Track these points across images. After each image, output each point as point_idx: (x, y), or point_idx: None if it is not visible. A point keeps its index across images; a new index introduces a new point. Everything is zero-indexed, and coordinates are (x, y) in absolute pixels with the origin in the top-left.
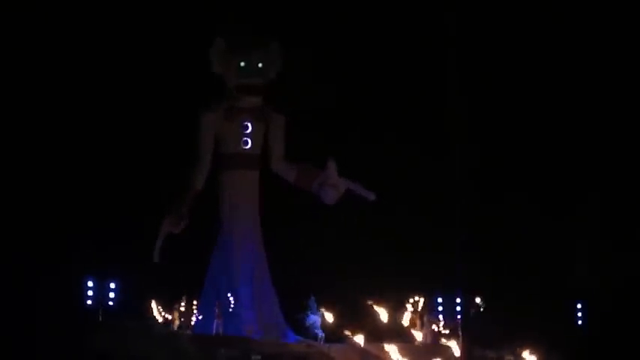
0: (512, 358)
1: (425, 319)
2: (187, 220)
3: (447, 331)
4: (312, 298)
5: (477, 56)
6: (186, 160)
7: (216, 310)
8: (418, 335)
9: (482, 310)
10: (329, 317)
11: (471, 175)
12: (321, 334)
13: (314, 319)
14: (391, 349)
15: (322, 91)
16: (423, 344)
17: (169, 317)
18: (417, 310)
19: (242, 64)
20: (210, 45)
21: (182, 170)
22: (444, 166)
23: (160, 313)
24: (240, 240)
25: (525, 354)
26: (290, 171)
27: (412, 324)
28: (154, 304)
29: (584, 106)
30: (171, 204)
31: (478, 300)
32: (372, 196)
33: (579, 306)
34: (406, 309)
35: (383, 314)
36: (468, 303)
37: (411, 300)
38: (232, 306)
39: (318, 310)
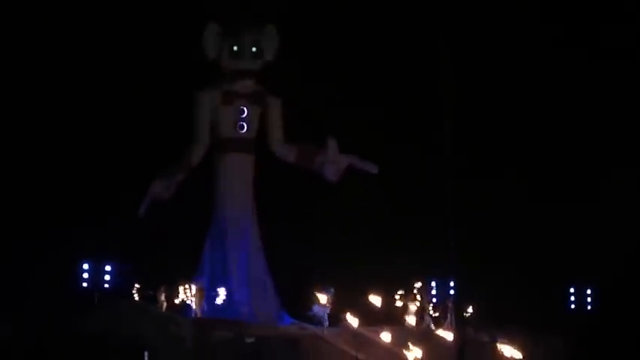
0: (505, 341)
1: (419, 303)
2: (174, 190)
3: (437, 314)
4: (331, 290)
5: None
6: (184, 140)
7: (201, 292)
8: (412, 320)
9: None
10: (323, 299)
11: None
12: (326, 323)
13: (321, 310)
14: (384, 333)
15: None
16: (417, 328)
17: (164, 300)
18: (411, 295)
19: (235, 48)
20: (204, 30)
21: (181, 149)
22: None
23: (157, 296)
24: (235, 223)
25: (518, 338)
26: (290, 152)
27: (406, 309)
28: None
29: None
30: (164, 168)
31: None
32: (374, 169)
33: (572, 290)
34: (400, 294)
35: (376, 299)
36: (461, 287)
37: (405, 285)
38: (226, 287)
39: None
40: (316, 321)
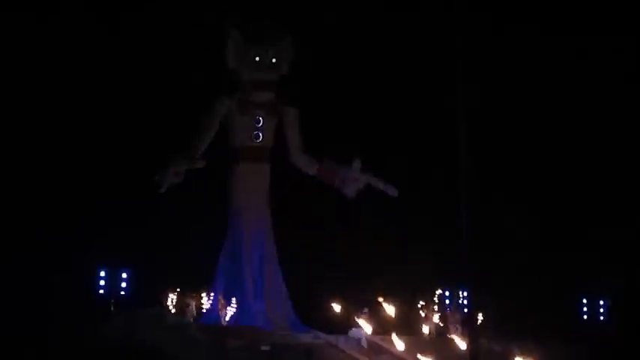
0: (518, 351)
1: (433, 312)
2: (182, 177)
3: (452, 324)
4: (366, 310)
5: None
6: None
7: (222, 301)
8: (425, 328)
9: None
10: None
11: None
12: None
13: (359, 333)
14: (398, 341)
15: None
16: (430, 337)
17: (180, 307)
18: (425, 304)
19: (257, 58)
20: (226, 40)
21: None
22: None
23: (171, 302)
24: (251, 231)
25: (531, 348)
26: (311, 165)
27: (420, 317)
28: (166, 294)
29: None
30: (174, 156)
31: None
32: (393, 191)
33: (585, 300)
34: (414, 303)
35: (390, 308)
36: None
37: (420, 294)
38: (242, 297)
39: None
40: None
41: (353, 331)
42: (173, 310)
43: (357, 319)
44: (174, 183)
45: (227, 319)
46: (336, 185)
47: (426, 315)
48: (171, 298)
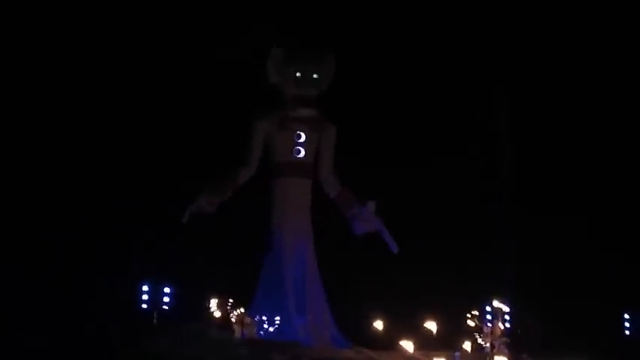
0: None
1: (476, 328)
2: (215, 208)
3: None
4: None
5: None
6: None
7: (262, 318)
8: (467, 345)
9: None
10: (379, 325)
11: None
12: None
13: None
14: (439, 358)
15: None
16: (471, 354)
17: (223, 322)
18: (467, 320)
19: (298, 74)
20: (268, 55)
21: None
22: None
23: (214, 317)
24: (292, 247)
25: None
26: (334, 189)
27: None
28: (208, 309)
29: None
30: (211, 183)
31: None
32: (395, 249)
33: (627, 316)
34: (456, 319)
35: (432, 324)
36: (517, 313)
37: (463, 310)
38: (284, 312)
39: None
40: None
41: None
42: (216, 325)
43: (401, 344)
44: (205, 213)
45: (268, 333)
46: (348, 217)
47: (468, 331)
48: (214, 313)
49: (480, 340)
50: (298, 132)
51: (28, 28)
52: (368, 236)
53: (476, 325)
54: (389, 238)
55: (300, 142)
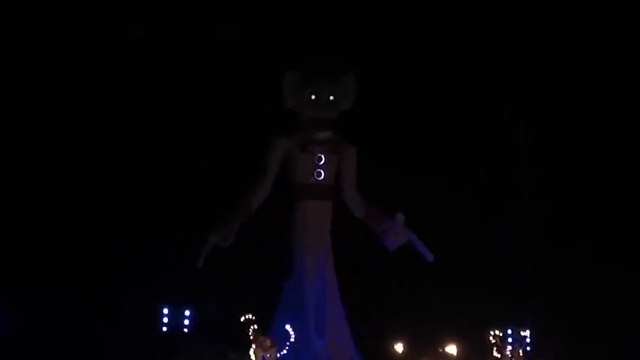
0: None
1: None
2: (233, 239)
3: None
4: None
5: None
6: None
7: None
8: None
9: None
10: (399, 347)
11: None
12: None
13: None
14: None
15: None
16: None
17: (243, 345)
18: (488, 344)
19: (312, 97)
20: (283, 79)
21: (242, 190)
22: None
23: (234, 340)
24: (313, 269)
25: None
26: (361, 208)
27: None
28: (228, 331)
29: None
30: (222, 218)
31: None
32: (430, 257)
33: None
34: (477, 342)
35: (453, 348)
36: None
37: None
38: (304, 334)
39: None
40: None
41: None
42: (236, 348)
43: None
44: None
45: (288, 356)
46: (379, 233)
47: (488, 355)
48: (234, 336)
49: None
50: (318, 154)
51: (28, 28)
52: (397, 251)
53: (498, 347)
54: (422, 247)
55: (321, 165)
